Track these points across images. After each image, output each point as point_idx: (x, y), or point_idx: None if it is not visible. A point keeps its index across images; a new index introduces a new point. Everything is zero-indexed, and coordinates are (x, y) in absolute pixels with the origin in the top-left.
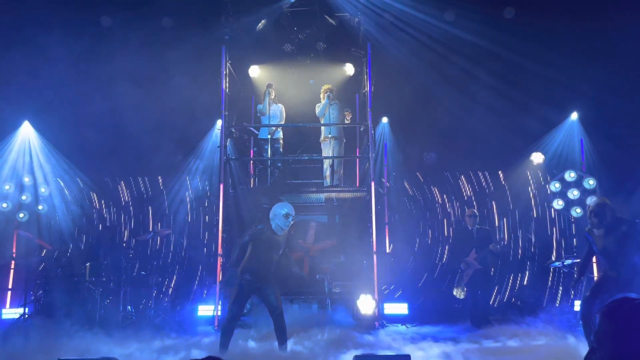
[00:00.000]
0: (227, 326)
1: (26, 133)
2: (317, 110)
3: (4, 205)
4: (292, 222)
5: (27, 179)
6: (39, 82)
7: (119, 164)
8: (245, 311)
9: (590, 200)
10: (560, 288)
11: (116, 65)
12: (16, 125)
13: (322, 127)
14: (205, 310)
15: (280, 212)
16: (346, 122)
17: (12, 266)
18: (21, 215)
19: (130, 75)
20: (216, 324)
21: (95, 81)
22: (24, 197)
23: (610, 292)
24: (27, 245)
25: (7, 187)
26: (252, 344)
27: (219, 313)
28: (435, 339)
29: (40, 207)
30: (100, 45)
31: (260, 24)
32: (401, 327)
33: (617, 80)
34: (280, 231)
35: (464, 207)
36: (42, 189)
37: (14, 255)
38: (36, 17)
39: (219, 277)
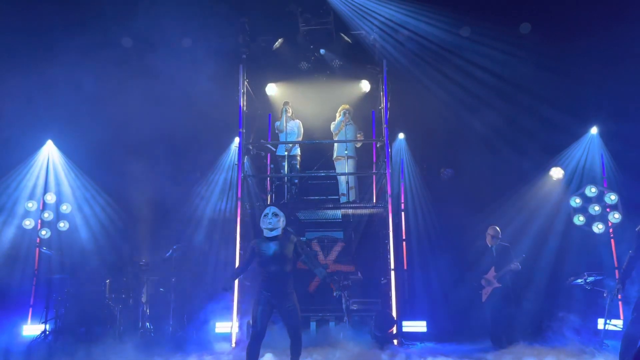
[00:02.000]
0: (253, 345)
1: (49, 151)
2: (332, 127)
3: (27, 222)
4: (273, 219)
5: (49, 197)
6: (62, 102)
7: (139, 181)
8: None
9: None
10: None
11: (136, 85)
12: (40, 144)
13: (335, 146)
14: (223, 327)
15: (262, 215)
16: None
17: (34, 283)
18: (43, 232)
19: (150, 94)
20: (233, 341)
21: (117, 100)
22: (46, 215)
23: None
24: (48, 262)
25: (30, 204)
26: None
27: (237, 330)
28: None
29: (61, 225)
30: (121, 65)
31: (277, 43)
32: (420, 345)
33: (638, 93)
34: (268, 233)
35: (482, 222)
36: (64, 207)
37: (35, 272)
38: (60, 37)
39: (237, 294)
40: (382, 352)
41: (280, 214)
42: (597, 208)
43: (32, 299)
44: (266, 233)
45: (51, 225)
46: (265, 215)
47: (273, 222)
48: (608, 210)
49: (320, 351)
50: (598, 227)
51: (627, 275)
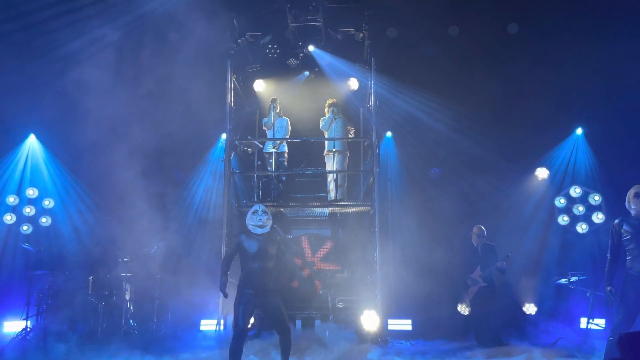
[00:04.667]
0: (235, 345)
1: (32, 146)
2: (322, 124)
3: (8, 217)
4: (263, 217)
5: (31, 192)
6: (45, 96)
7: (123, 177)
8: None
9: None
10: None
11: (121, 80)
12: (22, 138)
13: (326, 141)
14: (208, 325)
15: (250, 212)
16: (349, 136)
17: (15, 279)
18: (25, 227)
19: (136, 90)
20: (218, 340)
21: (101, 95)
22: (27, 210)
23: None
24: (30, 258)
25: (11, 199)
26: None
27: (222, 328)
28: (459, 357)
29: (43, 220)
30: (106, 59)
31: (265, 39)
32: (405, 344)
33: (622, 95)
34: (256, 230)
35: (468, 222)
36: (46, 202)
37: (16, 267)
38: (45, 30)
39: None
40: (367, 351)
41: (269, 212)
42: (581, 208)
43: (13, 295)
44: (253, 229)
45: (33, 220)
46: (254, 212)
47: (263, 219)
48: (592, 211)
49: (306, 349)
50: (582, 227)
51: (610, 275)
